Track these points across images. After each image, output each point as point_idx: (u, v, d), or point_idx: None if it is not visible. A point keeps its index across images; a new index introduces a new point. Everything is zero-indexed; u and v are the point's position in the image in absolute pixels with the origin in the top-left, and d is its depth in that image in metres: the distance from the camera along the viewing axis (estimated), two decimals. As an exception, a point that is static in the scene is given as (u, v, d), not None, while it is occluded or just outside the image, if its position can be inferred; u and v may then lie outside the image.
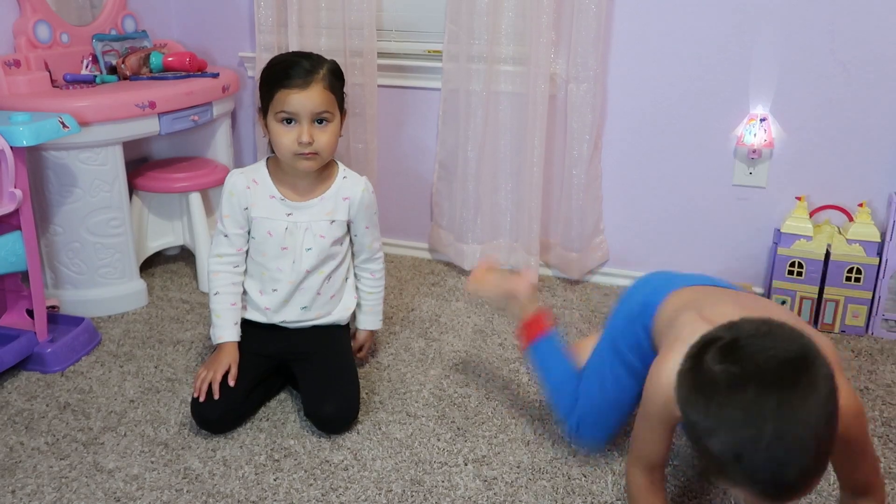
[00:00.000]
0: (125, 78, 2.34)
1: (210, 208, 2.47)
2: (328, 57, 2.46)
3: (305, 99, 1.60)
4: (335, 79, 1.66)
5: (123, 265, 2.21)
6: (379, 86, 2.53)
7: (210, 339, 1.81)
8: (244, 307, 1.78)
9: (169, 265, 2.57)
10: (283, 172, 1.72)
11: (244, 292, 1.78)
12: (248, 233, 1.75)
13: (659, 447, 1.27)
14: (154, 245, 2.47)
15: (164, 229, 2.50)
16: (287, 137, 1.62)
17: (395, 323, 2.18)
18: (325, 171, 1.73)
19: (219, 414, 1.64)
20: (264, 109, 1.66)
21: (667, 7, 2.20)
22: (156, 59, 2.42)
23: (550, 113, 2.32)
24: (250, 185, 1.72)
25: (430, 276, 2.53)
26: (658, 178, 2.35)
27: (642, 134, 2.33)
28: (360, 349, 1.91)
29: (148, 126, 2.19)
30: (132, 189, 2.33)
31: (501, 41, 2.34)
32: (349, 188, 1.74)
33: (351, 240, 1.82)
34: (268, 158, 1.76)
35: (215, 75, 2.43)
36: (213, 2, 2.70)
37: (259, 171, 1.74)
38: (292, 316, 1.77)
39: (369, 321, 1.89)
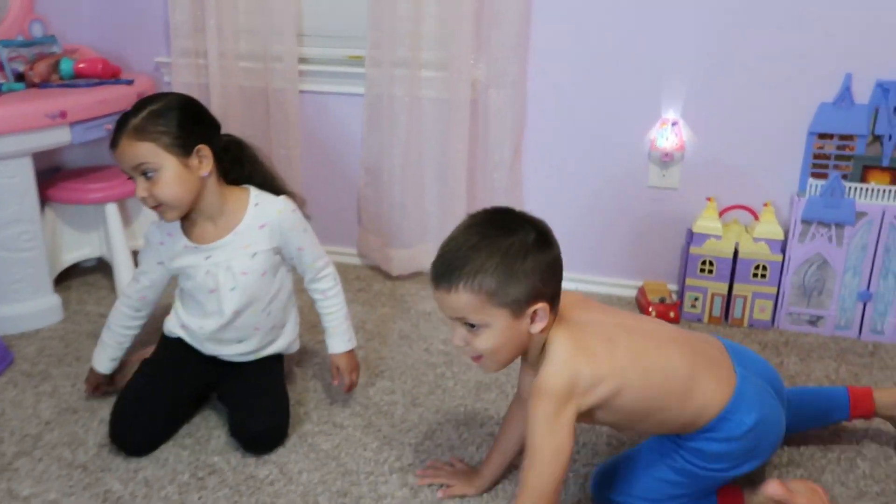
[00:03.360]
0: (33, 86, 2.26)
1: (128, 218, 2.41)
2: (248, 62, 2.46)
3: (119, 156, 1.53)
4: (153, 123, 1.50)
5: (36, 280, 2.14)
6: (301, 91, 2.52)
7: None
8: (188, 328, 1.73)
9: (86, 278, 2.49)
10: (190, 218, 1.63)
11: (182, 321, 1.73)
12: (175, 277, 1.71)
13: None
14: (69, 258, 2.40)
15: (79, 241, 2.42)
16: (136, 192, 1.56)
17: (319, 332, 2.15)
18: (230, 203, 1.64)
19: (139, 440, 1.63)
20: None
21: (582, 16, 2.26)
22: (66, 66, 2.34)
23: (472, 118, 2.36)
24: (164, 240, 1.66)
25: (356, 282, 2.54)
26: (577, 181, 2.42)
27: (561, 139, 2.39)
28: (346, 376, 1.77)
29: (59, 136, 2.12)
30: (44, 201, 2.25)
31: (423, 47, 2.36)
32: (264, 214, 1.64)
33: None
34: None
35: (130, 82, 2.37)
36: (126, 6, 2.63)
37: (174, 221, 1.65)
38: (230, 352, 1.73)
39: (337, 343, 1.76)
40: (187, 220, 1.64)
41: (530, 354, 1.33)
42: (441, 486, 1.55)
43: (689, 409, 1.33)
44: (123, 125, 1.52)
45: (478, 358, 1.30)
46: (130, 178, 1.55)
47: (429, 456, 1.65)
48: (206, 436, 1.70)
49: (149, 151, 1.51)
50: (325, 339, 1.79)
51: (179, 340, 1.75)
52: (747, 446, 1.36)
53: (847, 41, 2.09)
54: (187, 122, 1.56)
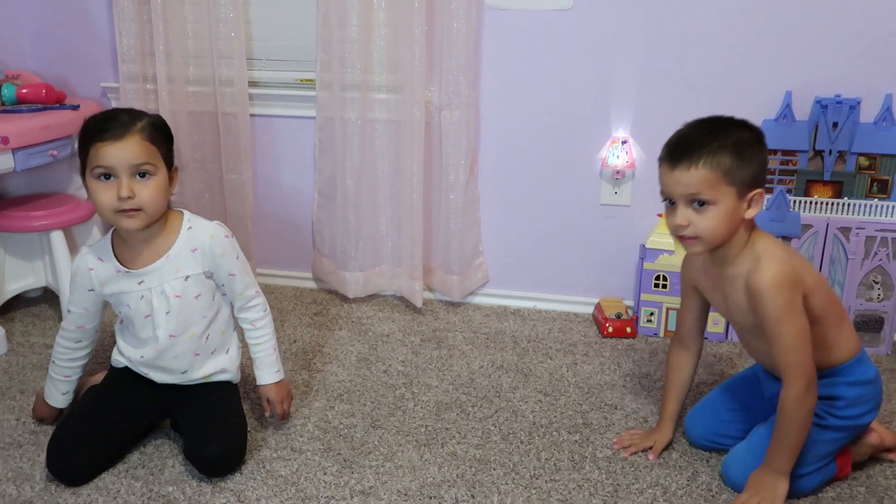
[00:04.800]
0: (-26, 112, 2.20)
1: (74, 246, 2.35)
2: (197, 86, 2.45)
3: (121, 150, 1.49)
4: (157, 131, 1.56)
5: (-22, 311, 2.07)
6: (251, 115, 2.50)
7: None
8: (130, 360, 1.70)
9: (30, 308, 2.41)
10: (125, 241, 1.62)
11: (123, 353, 1.70)
12: (106, 307, 1.69)
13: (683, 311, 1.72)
14: (13, 288, 2.32)
15: (23, 271, 2.35)
16: (106, 194, 1.51)
17: (277, 356, 2.14)
18: (167, 226, 1.62)
19: (76, 468, 1.58)
20: (83, 168, 1.55)
21: (532, 37, 2.29)
22: (8, 91, 2.28)
23: (426, 139, 2.36)
24: (95, 266, 1.62)
25: (313, 306, 2.51)
26: (532, 199, 2.44)
27: (515, 158, 2.41)
28: (277, 406, 1.74)
29: (1, 163, 2.06)
30: (-15, 230, 2.18)
31: (374, 70, 2.37)
32: (196, 238, 1.63)
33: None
34: (113, 230, 1.64)
35: (76, 107, 2.32)
36: (71, 30, 2.58)
37: (105, 246, 1.63)
38: (175, 380, 1.69)
39: (266, 374, 1.74)
40: (122, 244, 1.63)
41: (731, 249, 1.50)
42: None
43: (841, 334, 1.53)
44: (126, 123, 1.51)
45: (691, 239, 1.47)
46: (105, 175, 1.50)
47: (390, 478, 1.62)
48: (159, 465, 1.65)
49: (153, 154, 1.54)
50: (254, 371, 1.75)
51: (125, 372, 1.72)
52: (875, 390, 1.57)
53: (785, 60, 2.17)
54: (171, 142, 1.62)
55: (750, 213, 1.46)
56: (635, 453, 1.71)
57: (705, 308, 1.70)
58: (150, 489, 1.57)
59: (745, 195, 1.44)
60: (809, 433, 1.51)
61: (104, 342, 2.06)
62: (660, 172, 1.49)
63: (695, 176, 1.42)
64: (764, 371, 1.68)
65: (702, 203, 1.43)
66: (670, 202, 1.48)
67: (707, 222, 1.44)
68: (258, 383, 1.75)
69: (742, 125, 1.48)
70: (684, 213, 1.45)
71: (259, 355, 1.74)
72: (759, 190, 1.46)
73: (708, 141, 1.43)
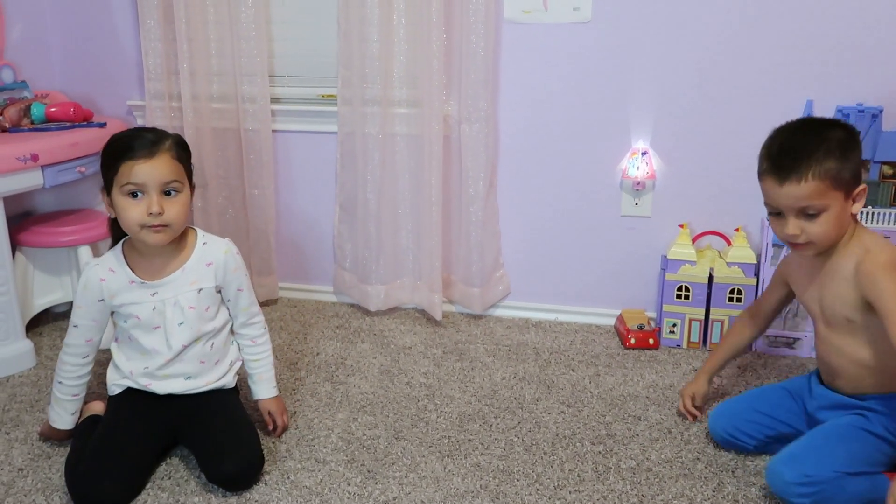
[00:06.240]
0: (4, 130, 2.25)
1: (101, 261, 2.39)
2: (220, 103, 2.50)
3: (152, 168, 1.55)
4: (181, 150, 1.62)
5: (8, 326, 2.10)
6: (274, 131, 2.53)
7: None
8: (131, 373, 1.71)
9: (59, 322, 2.45)
10: (139, 253, 1.65)
11: (122, 371, 1.71)
12: (114, 317, 1.69)
13: (767, 295, 1.81)
14: (41, 303, 2.36)
15: (51, 285, 2.39)
16: (135, 210, 1.55)
17: (300, 368, 2.16)
18: (182, 242, 1.68)
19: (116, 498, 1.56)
20: (108, 186, 1.58)
21: (550, 50, 2.31)
22: (37, 110, 2.33)
23: (445, 153, 2.38)
24: (106, 277, 1.64)
25: (335, 319, 2.52)
26: (552, 211, 2.45)
27: (534, 170, 2.42)
28: (273, 420, 1.80)
29: (31, 179, 2.11)
30: (15, 245, 2.22)
31: (394, 84, 2.39)
32: (211, 253, 1.69)
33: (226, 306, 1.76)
34: (123, 242, 1.68)
35: (102, 125, 2.37)
36: (98, 50, 2.64)
37: (116, 257, 1.66)
38: (178, 387, 1.71)
39: (264, 389, 1.80)
40: (136, 256, 1.66)
41: (837, 243, 1.53)
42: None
43: None
44: (155, 142, 1.57)
45: (805, 245, 1.51)
46: (134, 192, 1.55)
47: (414, 489, 1.62)
48: (185, 476, 1.66)
49: (180, 172, 1.60)
50: (251, 387, 1.82)
51: (127, 396, 1.71)
52: None
53: (806, 69, 2.17)
54: (190, 160, 1.68)
55: (856, 208, 1.50)
56: (696, 419, 1.86)
57: (787, 300, 1.77)
58: (177, 500, 1.58)
59: (850, 194, 1.49)
60: (854, 440, 1.51)
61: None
62: (764, 186, 1.52)
63: (805, 189, 1.45)
64: (819, 381, 1.67)
65: (812, 214, 1.47)
66: (777, 213, 1.51)
67: (820, 228, 1.48)
68: (257, 398, 1.81)
69: (835, 125, 1.51)
70: (796, 224, 1.49)
71: (258, 370, 1.80)
72: (863, 186, 1.49)
73: (811, 150, 1.45)
